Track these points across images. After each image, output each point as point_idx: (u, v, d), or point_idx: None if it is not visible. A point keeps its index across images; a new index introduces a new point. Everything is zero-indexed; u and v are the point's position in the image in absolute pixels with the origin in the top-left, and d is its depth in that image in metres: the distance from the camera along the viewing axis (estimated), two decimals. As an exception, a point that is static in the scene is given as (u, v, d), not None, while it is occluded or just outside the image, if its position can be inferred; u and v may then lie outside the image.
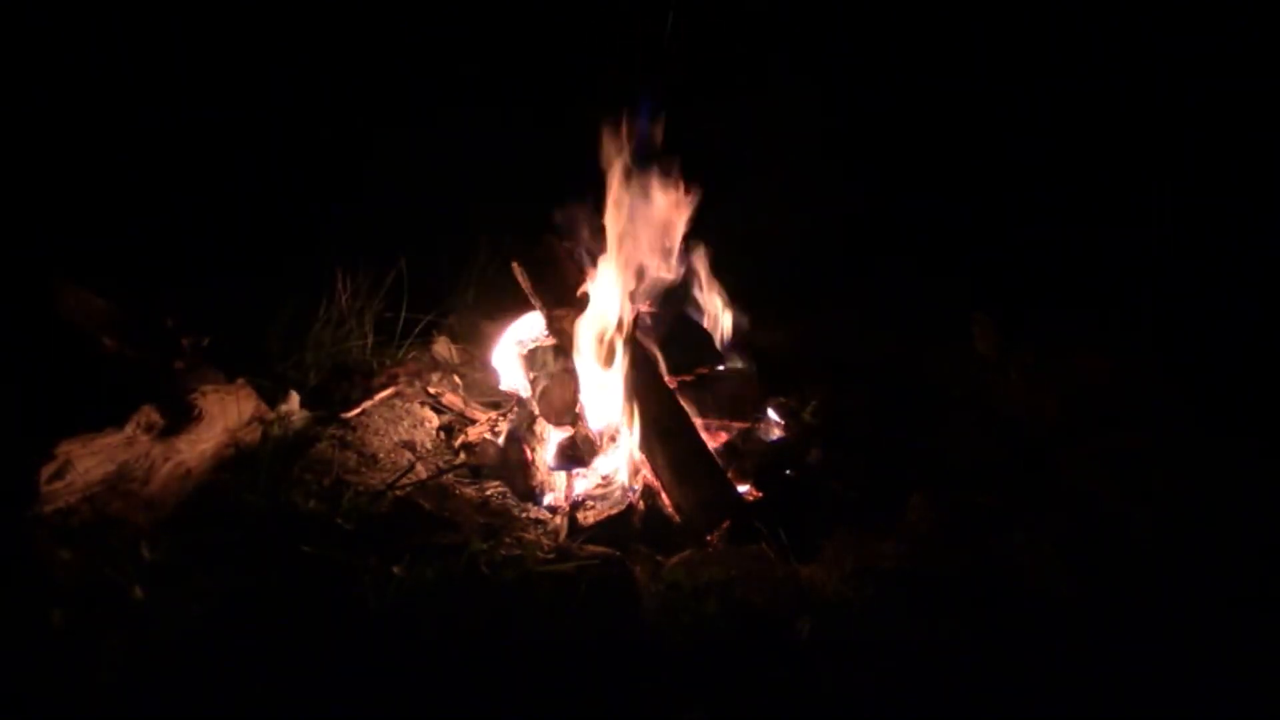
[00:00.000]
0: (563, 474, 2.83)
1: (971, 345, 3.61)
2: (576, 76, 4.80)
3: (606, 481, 2.82)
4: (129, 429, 2.28)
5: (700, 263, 3.44)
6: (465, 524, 2.42)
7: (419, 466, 2.84)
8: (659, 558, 2.38)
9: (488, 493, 2.73)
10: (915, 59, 5.00)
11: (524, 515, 2.61)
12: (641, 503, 2.66)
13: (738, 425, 3.09)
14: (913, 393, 3.37)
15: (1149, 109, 4.57)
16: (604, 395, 2.89)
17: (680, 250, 3.24)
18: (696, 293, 3.49)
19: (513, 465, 2.85)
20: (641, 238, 3.10)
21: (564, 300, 3.06)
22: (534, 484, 2.78)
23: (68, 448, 2.11)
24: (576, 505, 2.68)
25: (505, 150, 4.67)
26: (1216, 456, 2.72)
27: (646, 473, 2.76)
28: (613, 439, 2.89)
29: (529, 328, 3.32)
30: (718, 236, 3.43)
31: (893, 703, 1.82)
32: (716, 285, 3.48)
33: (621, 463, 2.82)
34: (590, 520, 2.57)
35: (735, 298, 3.51)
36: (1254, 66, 4.26)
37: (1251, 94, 4.22)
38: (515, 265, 3.19)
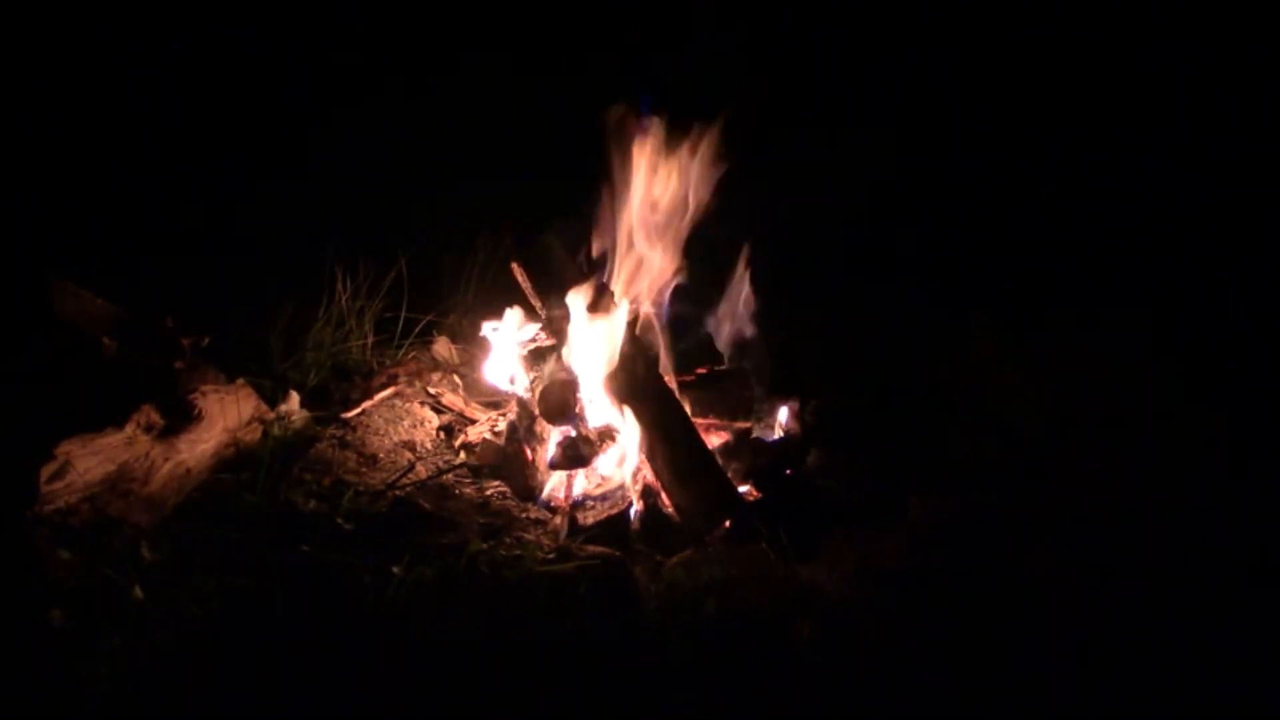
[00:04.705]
0: (563, 474, 2.83)
1: (971, 345, 3.61)
2: (578, 72, 4.80)
3: (606, 481, 2.81)
4: (129, 429, 2.28)
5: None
6: (465, 524, 2.42)
7: (419, 466, 2.84)
8: (659, 558, 2.38)
9: (488, 493, 2.73)
10: (916, 62, 5.00)
11: (524, 515, 2.61)
12: (641, 503, 2.66)
13: (738, 425, 3.09)
14: (913, 393, 3.37)
15: (1150, 109, 4.57)
16: (604, 395, 2.89)
17: (684, 252, 3.24)
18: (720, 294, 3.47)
19: (513, 465, 2.84)
20: (646, 235, 3.10)
21: (564, 300, 3.06)
22: (534, 484, 2.78)
23: (68, 448, 2.11)
24: (576, 505, 2.68)
25: (505, 149, 4.67)
26: (1217, 457, 2.72)
27: (646, 473, 2.75)
28: (613, 439, 2.89)
29: (511, 327, 3.29)
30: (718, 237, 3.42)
31: (893, 703, 1.82)
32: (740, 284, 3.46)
33: (622, 463, 2.82)
34: (590, 520, 2.57)
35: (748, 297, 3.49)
36: (1253, 65, 4.27)
37: (1253, 93, 4.22)
38: (515, 265, 3.19)
